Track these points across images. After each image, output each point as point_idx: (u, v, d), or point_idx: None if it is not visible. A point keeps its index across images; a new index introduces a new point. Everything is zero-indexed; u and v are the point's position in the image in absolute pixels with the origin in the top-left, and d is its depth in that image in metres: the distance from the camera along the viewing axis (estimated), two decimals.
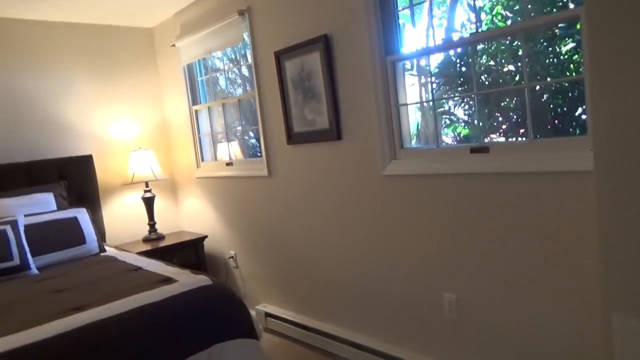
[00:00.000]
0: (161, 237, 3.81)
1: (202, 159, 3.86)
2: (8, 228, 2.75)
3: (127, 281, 2.27)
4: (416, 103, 2.58)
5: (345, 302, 2.77)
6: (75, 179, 3.50)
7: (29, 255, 2.74)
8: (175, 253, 3.59)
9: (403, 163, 2.35)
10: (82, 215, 3.16)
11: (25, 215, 2.97)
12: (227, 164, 3.57)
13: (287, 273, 3.17)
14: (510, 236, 1.97)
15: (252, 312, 3.30)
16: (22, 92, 3.42)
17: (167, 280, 2.21)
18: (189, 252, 3.68)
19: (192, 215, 4.09)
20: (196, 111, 3.83)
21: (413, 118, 2.46)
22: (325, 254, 2.85)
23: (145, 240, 3.77)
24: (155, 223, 3.83)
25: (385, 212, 2.44)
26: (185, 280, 2.19)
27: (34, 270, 2.74)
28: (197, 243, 3.72)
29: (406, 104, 2.39)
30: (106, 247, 3.16)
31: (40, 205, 3.15)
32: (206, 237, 3.77)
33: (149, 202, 3.78)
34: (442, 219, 2.19)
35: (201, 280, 2.18)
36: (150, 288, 2.11)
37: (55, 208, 3.21)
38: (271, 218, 3.21)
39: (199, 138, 3.85)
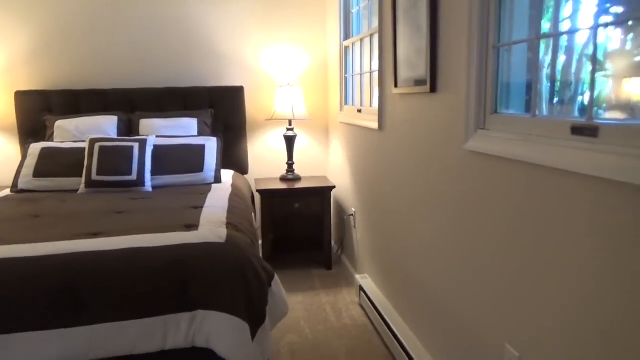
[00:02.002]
0: (297, 179, 3.69)
1: (346, 102, 3.48)
2: (136, 146, 3.01)
3: (166, 218, 2.20)
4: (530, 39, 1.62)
5: (419, 303, 2.13)
6: (224, 109, 3.61)
7: (147, 174, 2.97)
8: (301, 198, 3.44)
9: (489, 136, 1.54)
10: (211, 144, 3.25)
11: (159, 137, 3.22)
12: (358, 111, 3.12)
13: (383, 250, 2.65)
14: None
15: (357, 277, 2.93)
16: (192, 21, 3.62)
17: (190, 227, 2.05)
18: (315, 200, 3.47)
19: (331, 162, 3.83)
20: (346, 48, 3.43)
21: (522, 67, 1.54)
22: (410, 242, 2.22)
23: (282, 179, 3.71)
24: (293, 163, 3.72)
25: (463, 201, 1.68)
26: (203, 232, 1.98)
27: (148, 188, 2.96)
28: (324, 192, 3.47)
29: (511, 43, 1.51)
30: (223, 179, 3.19)
31: (183, 129, 3.36)
32: (334, 187, 3.47)
33: (289, 141, 3.67)
34: (521, 240, 1.35)
35: (215, 237, 1.94)
36: (167, 230, 2.00)
37: (196, 133, 3.39)
38: (378, 184, 2.68)
39: (346, 78, 3.46)
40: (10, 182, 3.22)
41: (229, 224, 2.11)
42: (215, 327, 1.77)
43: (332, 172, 3.86)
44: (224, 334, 1.76)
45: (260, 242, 3.61)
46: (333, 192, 3.63)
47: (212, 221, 2.12)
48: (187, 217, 2.20)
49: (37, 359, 1.69)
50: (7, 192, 2.96)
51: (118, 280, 1.75)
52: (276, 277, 2.07)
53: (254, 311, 1.84)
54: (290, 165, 3.71)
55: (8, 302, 1.67)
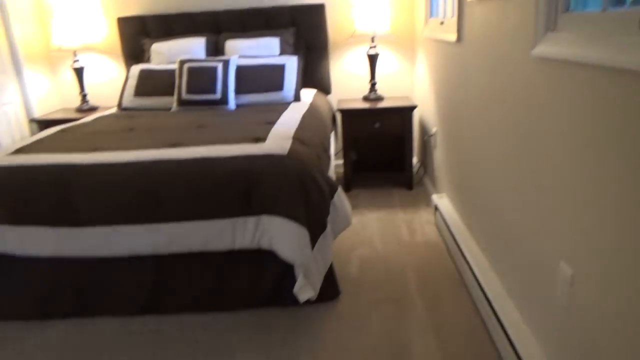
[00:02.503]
0: (379, 99, 3.63)
1: (431, 14, 3.28)
2: (220, 66, 3.15)
3: (239, 132, 2.33)
4: None
5: (487, 222, 2.08)
6: (306, 28, 3.60)
7: (230, 93, 3.12)
8: (382, 118, 3.40)
9: (559, 39, 1.39)
10: (291, 63, 3.29)
11: (242, 57, 3.32)
12: (441, 23, 2.93)
13: (459, 169, 2.57)
14: None
15: (434, 197, 2.91)
16: None
17: (258, 140, 2.16)
18: (396, 120, 3.41)
19: (416, 81, 3.68)
20: None
21: None
22: (482, 160, 2.13)
23: (364, 99, 3.67)
24: (375, 83, 3.65)
25: (531, 113, 1.56)
26: (268, 144, 2.08)
27: (232, 106, 3.12)
28: (405, 112, 3.39)
29: None
30: (302, 98, 3.25)
31: (266, 49, 3.43)
32: (415, 107, 3.37)
33: (372, 60, 3.58)
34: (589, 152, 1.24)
35: (279, 149, 2.03)
36: (237, 143, 2.12)
37: (278, 53, 3.44)
38: (455, 101, 2.55)
39: None
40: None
41: (295, 138, 2.19)
42: (276, 231, 1.90)
43: (417, 91, 3.74)
44: (284, 237, 1.89)
45: (341, 162, 3.69)
46: (416, 112, 3.54)
47: (280, 135, 2.21)
48: (258, 131, 2.31)
49: (132, 247, 1.98)
50: (114, 109, 3.31)
51: (190, 184, 1.93)
52: (339, 190, 2.14)
53: (314, 219, 1.93)
54: (372, 85, 3.65)
55: (106, 200, 1.93)
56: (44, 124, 3.53)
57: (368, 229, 2.95)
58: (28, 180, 1.94)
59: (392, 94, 3.83)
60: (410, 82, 3.85)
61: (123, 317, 2.15)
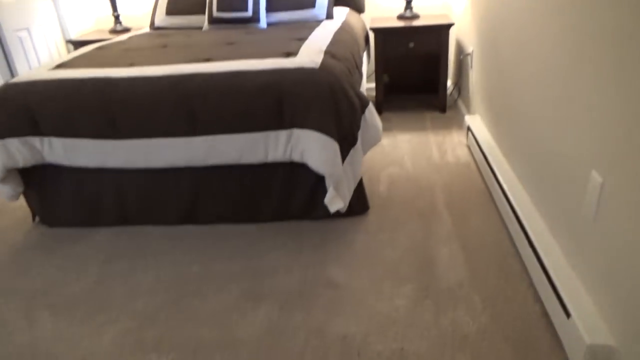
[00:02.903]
0: (415, 17, 3.50)
1: None
2: None
3: (270, 47, 2.32)
4: None
5: (519, 138, 2.06)
6: None
7: (261, 10, 3.07)
8: (416, 37, 3.30)
9: None
10: None
11: None
12: None
13: (494, 88, 2.51)
14: None
15: (467, 117, 2.88)
16: None
17: (289, 54, 2.15)
18: (431, 39, 3.31)
19: None
20: None
21: None
22: (517, 75, 2.07)
23: (399, 17, 3.55)
24: (411, 0, 3.50)
25: (564, 20, 1.49)
26: (300, 58, 2.07)
27: (263, 24, 3.08)
28: (441, 30, 3.27)
29: None
30: (335, 16, 3.17)
31: None
32: (452, 25, 3.24)
33: None
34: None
35: (311, 63, 2.02)
36: (268, 57, 2.12)
37: None
38: (493, 14, 2.44)
39: None
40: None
41: (327, 53, 2.17)
42: (307, 143, 1.94)
43: (455, 9, 3.57)
44: (315, 149, 1.93)
45: (373, 85, 3.64)
46: (453, 31, 3.41)
47: (312, 50, 2.19)
48: (289, 46, 2.29)
49: (170, 159, 2.06)
50: (147, 29, 3.32)
51: (223, 97, 1.97)
52: (370, 105, 2.14)
53: (344, 133, 1.96)
54: (408, 2, 3.50)
55: (143, 113, 2.00)
56: (79, 44, 3.59)
57: (398, 150, 2.97)
58: (71, 94, 2.01)
59: (428, 12, 3.67)
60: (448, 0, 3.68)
61: (162, 226, 2.29)
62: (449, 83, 3.85)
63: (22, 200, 2.56)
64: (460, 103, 3.53)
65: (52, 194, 2.26)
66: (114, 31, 3.73)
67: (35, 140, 2.07)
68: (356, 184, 2.13)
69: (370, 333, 1.59)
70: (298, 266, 1.94)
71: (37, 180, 2.24)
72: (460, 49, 3.47)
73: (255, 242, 2.12)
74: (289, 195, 2.17)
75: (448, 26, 3.25)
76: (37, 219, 2.41)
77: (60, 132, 2.06)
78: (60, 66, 2.25)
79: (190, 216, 2.26)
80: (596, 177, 1.37)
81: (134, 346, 1.59)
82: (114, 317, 1.73)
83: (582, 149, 1.47)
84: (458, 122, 3.35)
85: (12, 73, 3.23)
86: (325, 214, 2.19)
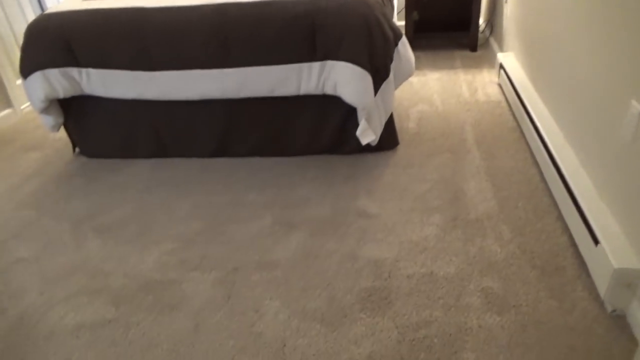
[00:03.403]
0: None
1: None
2: None
3: None
4: None
5: (553, 73, 2.02)
6: None
7: None
8: None
9: None
10: None
11: None
12: None
13: (529, 22, 2.43)
14: None
15: (499, 55, 2.83)
16: None
17: None
18: None
19: None
20: None
21: None
22: (553, 12, 2.00)
23: None
24: None
25: None
26: None
27: None
28: None
29: None
30: None
31: None
32: None
33: None
34: None
35: None
36: None
37: None
38: None
39: None
40: None
41: None
42: (341, 75, 1.95)
43: None
44: (348, 81, 1.93)
45: (402, 23, 3.55)
46: None
47: None
48: None
49: (204, 91, 2.10)
50: None
51: (256, 27, 1.96)
52: (404, 38, 2.11)
53: (377, 65, 1.95)
54: None
55: (177, 44, 2.01)
56: None
57: (428, 88, 2.94)
58: (104, 24, 2.03)
59: None
60: None
61: (196, 158, 2.36)
62: (481, 21, 3.73)
63: (62, 133, 2.65)
64: (492, 41, 3.44)
65: (91, 126, 2.34)
66: None
67: (74, 71, 2.12)
68: (387, 118, 2.14)
69: (400, 258, 1.66)
70: (329, 197, 2.00)
71: (76, 112, 2.31)
72: None
73: (286, 174, 2.18)
74: (319, 129, 2.20)
75: None
76: (77, 150, 2.50)
77: (96, 63, 2.10)
78: None
79: (222, 149, 2.32)
80: (636, 105, 1.36)
81: (177, 265, 1.70)
82: (156, 240, 1.83)
83: (621, 79, 1.45)
84: (489, 61, 3.28)
85: (42, 8, 3.24)
86: (355, 149, 2.22)
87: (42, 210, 2.06)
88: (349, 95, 1.95)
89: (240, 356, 1.35)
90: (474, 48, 3.43)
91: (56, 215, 2.03)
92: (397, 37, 2.06)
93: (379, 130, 2.08)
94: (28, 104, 3.07)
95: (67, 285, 1.64)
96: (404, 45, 2.10)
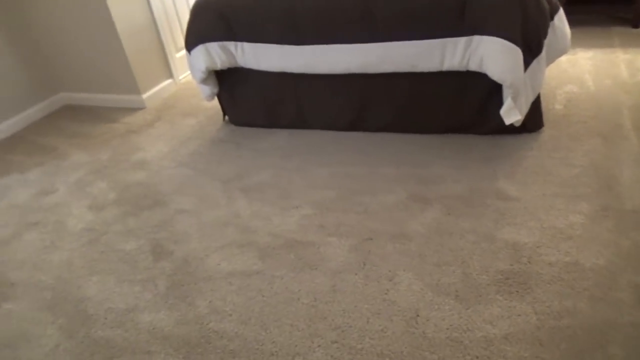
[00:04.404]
0: None
1: None
2: None
3: None
4: None
5: None
6: None
7: None
8: None
9: None
10: None
11: None
12: None
13: None
14: None
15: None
16: None
17: None
18: None
19: None
20: None
21: None
22: None
23: None
24: None
25: None
26: None
27: None
28: None
29: None
30: None
31: None
32: None
33: None
34: None
35: None
36: None
37: None
38: None
39: None
40: None
41: None
42: (489, 49, 1.88)
43: None
44: (497, 56, 1.86)
45: None
46: None
47: None
48: None
49: (347, 65, 2.16)
50: None
51: (403, 2, 1.96)
52: (561, 11, 1.97)
53: (530, 40, 1.85)
54: None
55: (325, 19, 2.09)
56: None
57: (578, 67, 2.71)
58: (260, 2, 2.18)
59: None
60: None
61: (333, 131, 2.46)
62: None
63: (213, 101, 2.92)
64: None
65: (240, 96, 2.54)
66: None
67: (231, 45, 2.31)
68: (535, 98, 2.03)
69: (541, 244, 1.59)
70: (466, 177, 1.97)
71: (229, 83, 2.52)
72: None
73: (422, 151, 2.18)
74: (459, 106, 2.16)
75: None
76: (226, 118, 2.74)
77: (251, 37, 2.26)
78: None
79: (358, 123, 2.38)
80: None
81: (316, 229, 1.81)
82: (296, 204, 1.97)
83: None
84: None
85: None
86: (495, 128, 2.15)
87: (197, 170, 2.31)
88: (496, 71, 1.88)
89: (374, 319, 1.42)
90: (636, 24, 3.07)
91: (209, 174, 2.27)
92: (554, 9, 1.92)
93: (525, 110, 1.98)
94: (185, 74, 3.41)
95: (221, 237, 1.84)
96: (560, 19, 1.96)
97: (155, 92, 3.15)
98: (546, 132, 2.18)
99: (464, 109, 2.16)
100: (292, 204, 1.97)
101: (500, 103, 2.04)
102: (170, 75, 3.29)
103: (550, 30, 1.92)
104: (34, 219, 2.12)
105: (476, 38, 1.90)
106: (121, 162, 2.49)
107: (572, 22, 3.26)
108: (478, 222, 1.73)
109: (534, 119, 2.14)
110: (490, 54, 1.88)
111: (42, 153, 2.71)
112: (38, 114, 3.18)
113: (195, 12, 2.35)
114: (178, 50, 3.32)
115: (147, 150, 2.57)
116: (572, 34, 3.12)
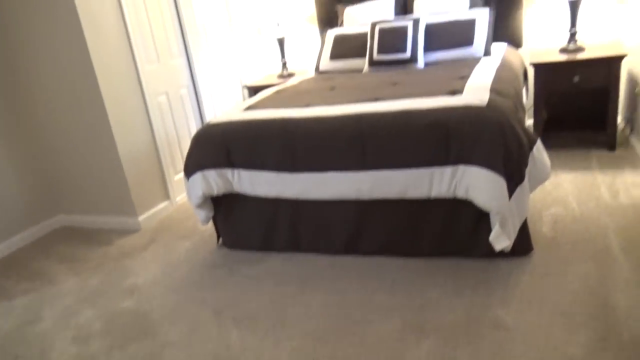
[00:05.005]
0: (579, 49, 3.33)
1: None
2: (410, 25, 3.24)
3: (434, 86, 2.41)
4: None
5: None
6: None
7: (419, 51, 3.20)
8: (582, 70, 3.14)
9: None
10: (482, 17, 3.22)
11: (432, 14, 3.35)
12: None
13: None
14: None
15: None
16: None
17: (454, 92, 2.22)
18: (599, 72, 3.11)
19: (627, 24, 3.26)
20: None
21: None
22: None
23: (562, 50, 3.41)
24: (576, 32, 3.35)
25: None
26: (466, 97, 2.14)
27: (421, 64, 3.21)
28: (612, 63, 3.07)
29: None
30: (493, 53, 3.18)
31: (455, 2, 3.40)
32: (625, 56, 3.03)
33: (573, 7, 3.29)
34: None
35: (477, 101, 2.07)
36: (434, 96, 2.22)
37: (468, 6, 3.38)
38: None
39: None
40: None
41: (492, 90, 2.20)
42: (474, 179, 1.97)
43: (628, 39, 3.33)
44: (481, 186, 1.95)
45: (531, 121, 3.52)
46: (625, 62, 3.17)
47: (476, 88, 2.24)
48: (453, 85, 2.37)
49: (340, 191, 2.24)
50: (312, 73, 3.65)
51: (393, 134, 2.10)
52: (539, 142, 2.10)
53: (512, 169, 1.95)
54: (572, 34, 3.36)
55: (320, 148, 2.22)
56: (253, 89, 4.07)
57: (561, 189, 2.82)
58: (259, 132, 2.32)
59: (595, 42, 3.47)
60: (620, 26, 3.44)
61: (327, 255, 2.47)
62: (619, 119, 3.55)
63: (209, 224, 2.96)
64: (633, 141, 3.24)
65: (235, 220, 2.59)
66: (281, 76, 4.16)
67: (228, 172, 2.41)
68: (521, 223, 2.09)
69: None
70: (461, 304, 1.95)
71: (224, 207, 2.59)
72: (633, 82, 3.20)
73: (415, 277, 2.18)
74: (450, 231, 2.20)
75: (620, 58, 3.03)
76: (220, 240, 2.77)
77: (248, 165, 2.37)
78: (250, 107, 2.61)
79: (351, 247, 2.40)
80: None
81: None
82: (289, 335, 1.92)
83: None
84: (631, 161, 3.07)
85: (201, 116, 3.77)
86: (486, 253, 2.17)
87: (189, 297, 2.28)
88: (482, 200, 1.96)
89: None
90: (612, 147, 3.25)
91: (200, 301, 2.23)
92: (532, 141, 2.06)
93: (513, 235, 2.03)
94: (182, 196, 3.49)
95: None
96: (539, 150, 2.08)
97: (151, 214, 3.20)
98: (537, 255, 2.20)
99: (455, 233, 2.21)
100: (285, 335, 1.92)
101: (489, 228, 2.09)
102: (167, 196, 3.37)
103: (530, 160, 2.03)
104: (15, 352, 2.04)
105: (461, 167, 2.01)
106: (111, 289, 2.45)
107: (553, 146, 3.46)
108: (477, 355, 1.68)
109: (522, 243, 2.18)
110: (475, 183, 1.97)
111: (32, 278, 2.68)
112: (35, 235, 3.20)
113: (197, 141, 2.48)
114: (177, 173, 3.44)
115: (140, 275, 2.55)
116: (554, 157, 3.29)
